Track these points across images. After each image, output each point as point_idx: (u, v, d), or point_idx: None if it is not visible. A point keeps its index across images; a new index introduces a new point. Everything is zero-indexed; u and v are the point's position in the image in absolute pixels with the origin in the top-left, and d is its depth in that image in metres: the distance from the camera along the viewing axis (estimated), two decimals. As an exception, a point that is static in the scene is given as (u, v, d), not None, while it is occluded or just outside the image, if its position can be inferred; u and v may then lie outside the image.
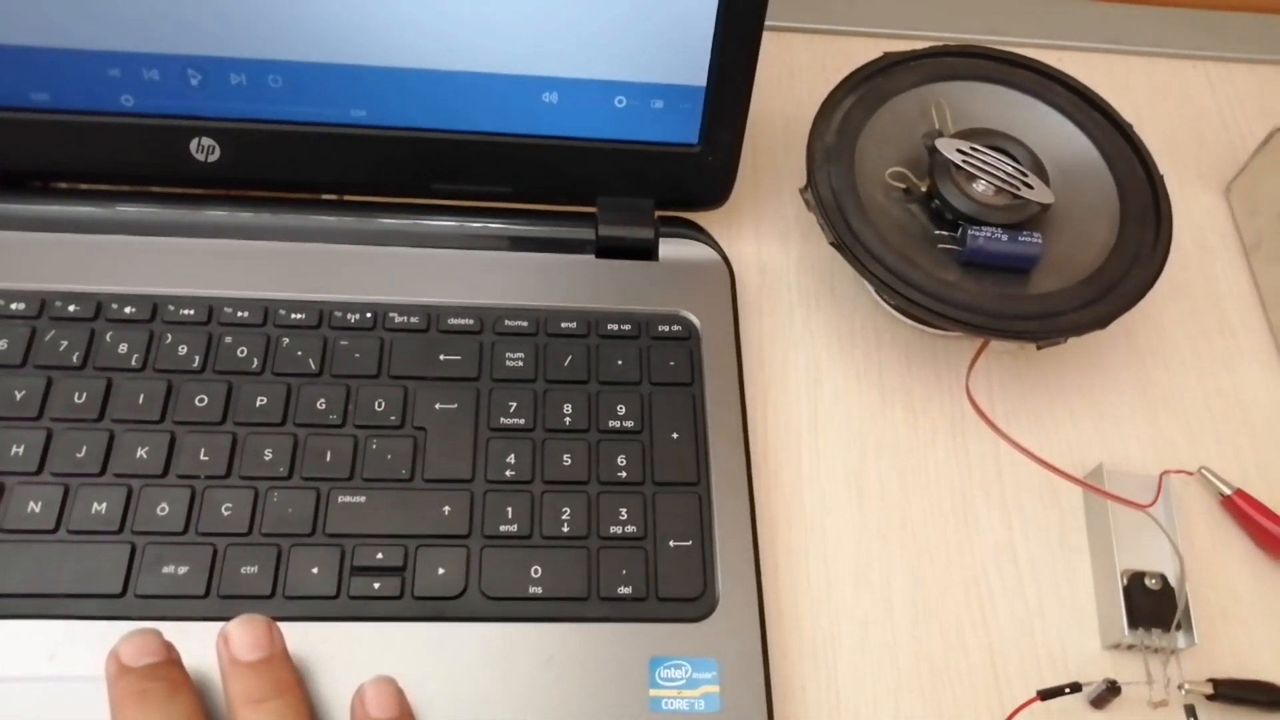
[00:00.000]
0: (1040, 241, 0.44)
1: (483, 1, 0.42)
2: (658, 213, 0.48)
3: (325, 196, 0.48)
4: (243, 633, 0.34)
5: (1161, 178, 0.47)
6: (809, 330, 0.49)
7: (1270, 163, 0.52)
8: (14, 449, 0.39)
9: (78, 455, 0.39)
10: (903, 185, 0.46)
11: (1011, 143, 0.46)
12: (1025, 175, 0.45)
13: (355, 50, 0.43)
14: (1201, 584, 0.44)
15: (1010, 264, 0.45)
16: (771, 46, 0.57)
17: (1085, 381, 0.48)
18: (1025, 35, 0.60)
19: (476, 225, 0.47)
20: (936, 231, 0.45)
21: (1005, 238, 0.44)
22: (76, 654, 0.36)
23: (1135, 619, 0.41)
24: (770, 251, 0.51)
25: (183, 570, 0.37)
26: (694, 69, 0.44)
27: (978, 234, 0.44)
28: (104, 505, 0.38)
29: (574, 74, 0.44)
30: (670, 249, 0.47)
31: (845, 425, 0.46)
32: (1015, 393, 0.48)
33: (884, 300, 0.48)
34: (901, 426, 0.46)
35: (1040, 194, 0.45)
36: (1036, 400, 0.48)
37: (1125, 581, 0.42)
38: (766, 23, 0.57)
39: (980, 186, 0.45)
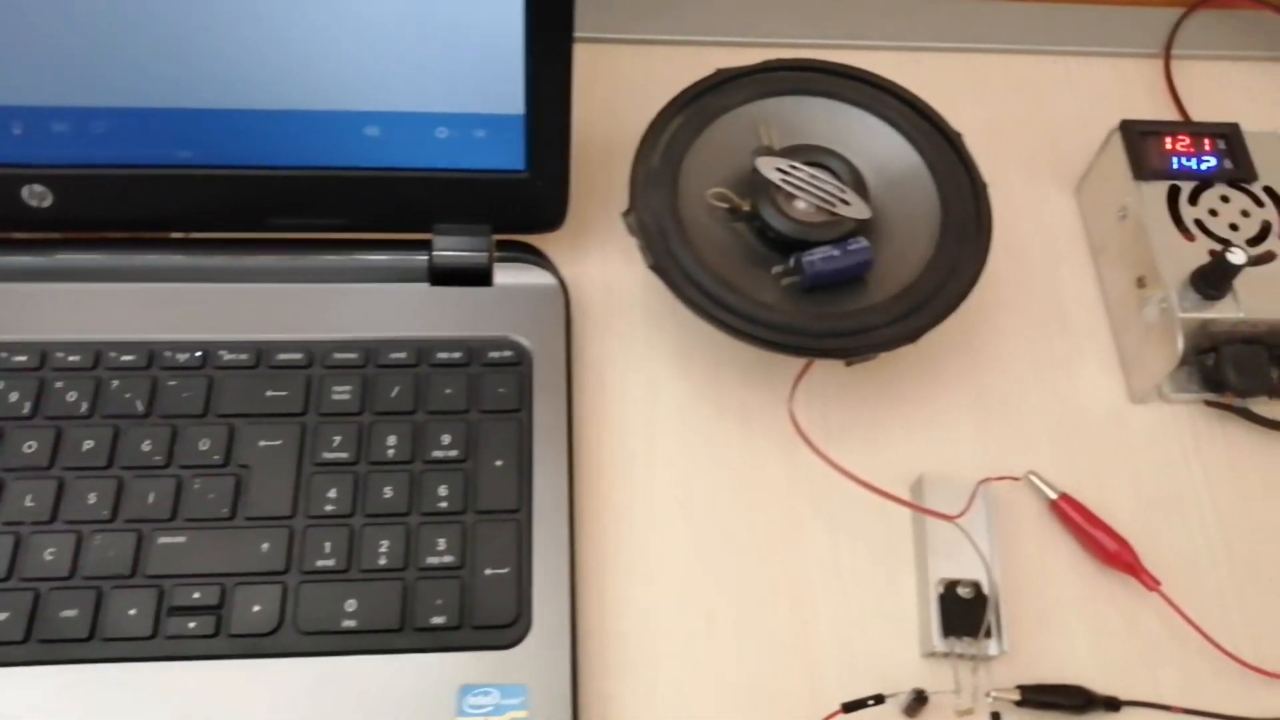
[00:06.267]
0: (868, 245, 0.45)
1: (295, 41, 0.42)
2: (498, 237, 0.49)
3: (174, 235, 0.49)
4: None
5: (985, 187, 0.47)
6: (650, 348, 0.49)
7: (1110, 163, 0.52)
8: None
9: (-97, 505, 0.40)
10: (726, 205, 0.47)
11: (832, 158, 0.47)
12: (843, 191, 0.45)
13: (175, 94, 0.43)
14: (1026, 590, 0.45)
15: (848, 276, 0.45)
16: (616, 61, 0.57)
17: (921, 390, 0.49)
18: (885, 38, 0.60)
19: (314, 258, 0.48)
20: (760, 254, 0.46)
21: (837, 253, 0.45)
22: (-106, 703, 0.37)
23: (949, 627, 0.42)
24: (615, 271, 0.51)
25: (2, 616, 0.39)
26: (510, 98, 0.44)
27: (812, 258, 0.44)
28: (-73, 555, 0.39)
29: (392, 107, 0.44)
30: (506, 274, 0.48)
31: (680, 443, 0.47)
32: (849, 404, 0.48)
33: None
34: (735, 443, 0.47)
35: (856, 210, 0.45)
36: (871, 410, 0.48)
37: (941, 590, 0.43)
38: (612, 35, 0.58)
39: (801, 205, 0.46)
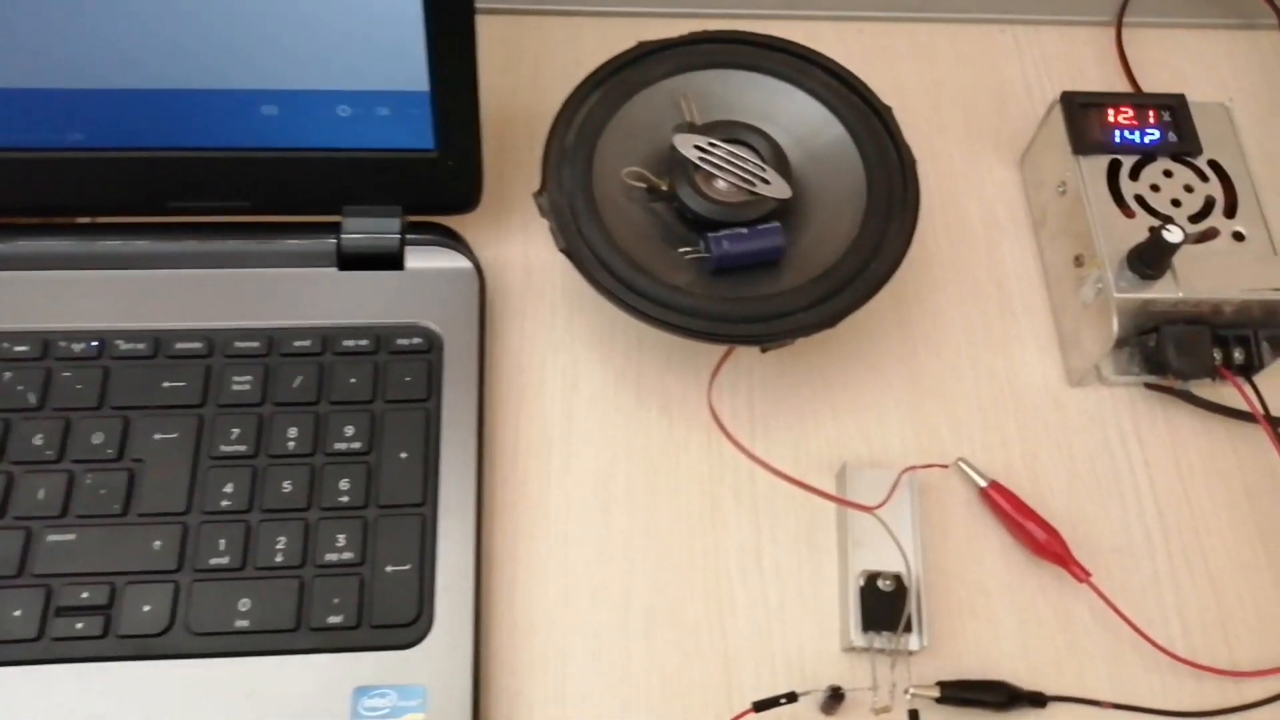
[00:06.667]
0: (778, 227, 0.43)
1: (184, 17, 0.40)
2: (413, 219, 0.47)
3: (80, 220, 0.47)
4: None
5: (914, 163, 0.45)
6: (570, 332, 0.48)
7: (1051, 136, 0.50)
8: None
9: None
10: (644, 185, 0.45)
11: (754, 134, 0.45)
12: (763, 170, 0.44)
13: (64, 74, 0.41)
14: (953, 581, 0.43)
15: (758, 259, 0.44)
16: (544, 34, 0.55)
17: (852, 373, 0.48)
18: (827, 8, 0.58)
19: (216, 243, 0.46)
20: (680, 234, 0.44)
21: (746, 232, 0.43)
22: None
23: (868, 621, 0.41)
24: (536, 253, 0.50)
25: (-121, 620, 0.37)
26: (413, 74, 0.42)
27: (719, 238, 0.43)
28: None
29: (289, 85, 0.42)
30: (418, 258, 0.46)
31: (599, 430, 0.45)
32: (776, 388, 0.47)
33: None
34: (655, 429, 0.46)
35: (777, 189, 0.43)
36: (799, 395, 0.47)
37: (861, 583, 0.41)
38: (540, 6, 0.56)
39: (721, 184, 0.44)
